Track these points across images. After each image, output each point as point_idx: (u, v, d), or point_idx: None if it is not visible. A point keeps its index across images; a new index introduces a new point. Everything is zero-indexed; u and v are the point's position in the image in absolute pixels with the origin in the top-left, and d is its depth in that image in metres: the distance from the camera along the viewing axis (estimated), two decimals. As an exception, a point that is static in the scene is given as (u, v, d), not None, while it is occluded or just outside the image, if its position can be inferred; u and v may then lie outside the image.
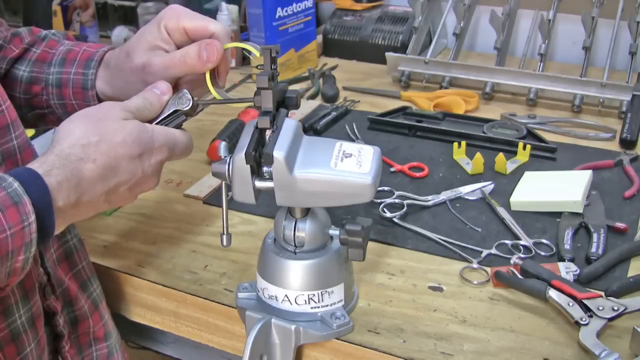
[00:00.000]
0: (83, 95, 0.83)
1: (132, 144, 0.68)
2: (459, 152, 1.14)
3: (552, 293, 0.78)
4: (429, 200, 1.01)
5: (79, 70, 0.83)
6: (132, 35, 0.81)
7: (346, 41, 1.64)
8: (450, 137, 1.18)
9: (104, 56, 0.83)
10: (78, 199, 0.65)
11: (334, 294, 0.77)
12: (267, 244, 0.78)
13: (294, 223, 0.75)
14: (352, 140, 1.18)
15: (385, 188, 1.03)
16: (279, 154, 0.68)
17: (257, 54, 0.75)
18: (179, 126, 0.75)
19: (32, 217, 0.60)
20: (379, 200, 1.00)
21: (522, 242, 0.91)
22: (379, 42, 1.60)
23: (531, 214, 0.98)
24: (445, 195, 1.03)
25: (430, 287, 0.85)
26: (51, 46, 0.87)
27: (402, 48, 1.54)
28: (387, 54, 1.46)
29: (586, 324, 0.74)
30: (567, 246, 0.89)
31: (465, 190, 1.04)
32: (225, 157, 0.72)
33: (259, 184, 0.71)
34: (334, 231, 0.77)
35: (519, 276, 0.83)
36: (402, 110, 1.30)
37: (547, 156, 1.14)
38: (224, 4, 1.59)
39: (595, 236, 0.91)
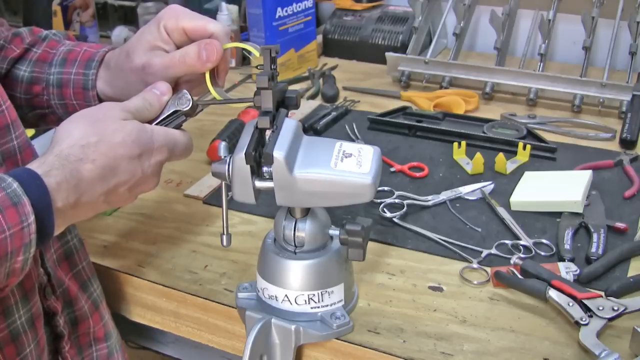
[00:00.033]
0: (84, 96, 0.83)
1: (131, 144, 0.68)
2: (459, 152, 1.14)
3: (552, 293, 0.78)
4: (429, 200, 1.01)
5: (79, 70, 0.83)
6: (132, 35, 0.81)
7: (346, 41, 1.64)
8: (450, 137, 1.18)
9: (105, 56, 0.83)
10: (77, 199, 0.65)
11: (334, 294, 0.77)
12: (267, 244, 0.78)
13: (294, 223, 0.75)
14: (352, 140, 1.18)
15: (385, 188, 1.03)
16: (279, 154, 0.68)
17: (257, 54, 0.75)
18: (178, 126, 0.75)
19: (32, 218, 0.60)
20: (379, 200, 1.00)
21: (522, 242, 0.91)
22: (379, 42, 1.60)
23: (531, 214, 0.98)
24: (445, 195, 1.03)
25: (430, 287, 0.85)
26: (52, 46, 0.87)
27: (402, 48, 1.54)
28: (387, 54, 1.46)
29: (586, 324, 0.74)
30: (567, 246, 0.89)
31: (465, 190, 1.04)
32: (225, 157, 0.72)
33: (259, 184, 0.71)
34: (334, 231, 0.77)
35: (519, 276, 0.83)
36: (402, 110, 1.30)
37: (547, 156, 1.14)
38: (224, 4, 1.59)
39: (595, 236, 0.91)
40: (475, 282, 0.85)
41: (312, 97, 1.43)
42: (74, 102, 0.84)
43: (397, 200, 1.01)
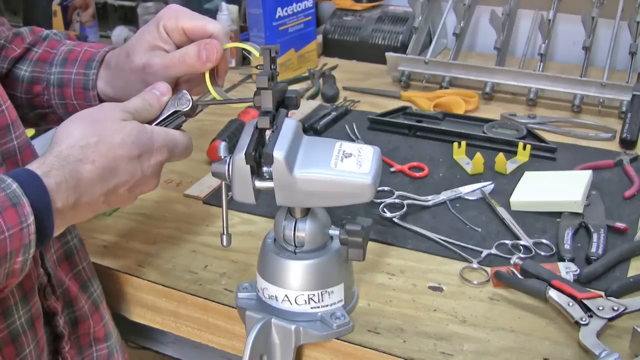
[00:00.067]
0: (84, 96, 0.83)
1: (131, 144, 0.68)
2: (459, 152, 1.14)
3: (552, 293, 0.78)
4: (429, 200, 1.01)
5: (80, 70, 0.83)
6: (132, 35, 0.81)
7: (346, 41, 1.64)
8: (450, 137, 1.18)
9: (105, 56, 0.83)
10: (77, 200, 0.65)
11: (334, 294, 0.77)
12: (267, 244, 0.78)
13: (294, 223, 0.75)
14: (352, 140, 1.18)
15: (385, 188, 1.03)
16: (279, 154, 0.68)
17: (257, 54, 0.75)
18: (178, 127, 0.75)
19: (31, 219, 0.60)
20: (379, 200, 1.00)
21: (522, 242, 0.91)
22: (379, 42, 1.60)
23: (531, 214, 0.98)
24: (445, 195, 1.03)
25: (430, 287, 0.85)
26: (52, 46, 0.87)
27: (402, 48, 1.54)
28: (387, 54, 1.46)
29: (586, 324, 0.74)
30: (567, 246, 0.89)
31: (465, 190, 1.04)
32: (225, 157, 0.72)
33: (259, 184, 0.71)
34: (334, 231, 0.77)
35: (519, 276, 0.83)
36: (402, 110, 1.30)
37: (547, 156, 1.14)
38: (224, 4, 1.59)
39: (595, 236, 0.91)
40: (475, 282, 0.85)
41: (312, 97, 1.43)
42: (74, 102, 0.84)
43: (397, 200, 1.01)
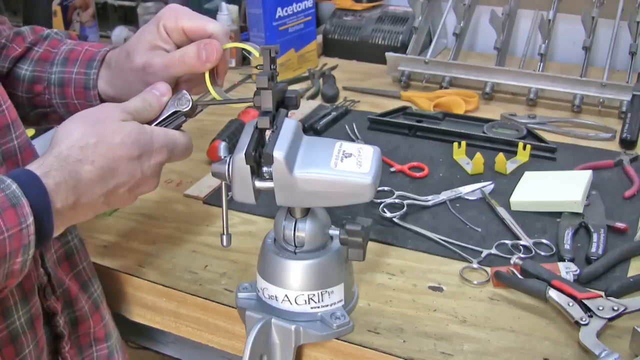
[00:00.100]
0: (85, 95, 0.83)
1: (130, 145, 0.68)
2: (459, 152, 1.14)
3: (552, 293, 0.78)
4: (429, 200, 1.01)
5: (81, 70, 0.83)
6: (132, 35, 0.81)
7: (346, 41, 1.64)
8: (450, 137, 1.18)
9: (106, 56, 0.83)
10: (76, 200, 0.65)
11: (334, 294, 0.77)
12: (267, 244, 0.78)
13: (294, 223, 0.75)
14: (352, 140, 1.18)
15: (385, 188, 1.03)
16: (279, 154, 0.68)
17: (257, 54, 0.75)
18: (178, 127, 0.75)
19: (30, 219, 0.60)
20: (379, 200, 1.00)
21: (522, 242, 0.91)
22: (379, 42, 1.60)
23: (531, 214, 0.98)
24: (445, 195, 1.03)
25: (430, 287, 0.85)
26: (53, 45, 0.87)
27: (402, 48, 1.54)
28: (387, 54, 1.46)
29: (586, 324, 0.74)
30: (567, 246, 0.89)
31: (465, 190, 1.04)
32: (225, 157, 0.72)
33: (259, 184, 0.71)
34: (334, 231, 0.77)
35: (519, 276, 0.83)
36: (402, 110, 1.30)
37: (547, 156, 1.14)
38: (224, 4, 1.59)
39: (595, 236, 0.91)
40: (475, 282, 0.85)
41: (312, 97, 1.43)
42: (75, 101, 0.84)
43: (397, 200, 1.01)
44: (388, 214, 0.98)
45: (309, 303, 0.76)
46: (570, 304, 0.77)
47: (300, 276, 0.75)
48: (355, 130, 1.25)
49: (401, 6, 1.64)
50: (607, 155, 1.14)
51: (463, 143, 1.14)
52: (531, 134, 1.20)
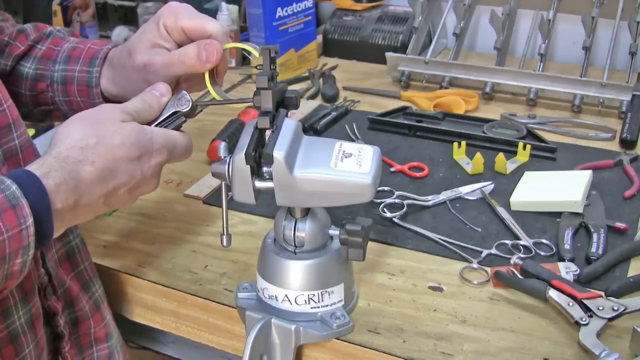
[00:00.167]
0: (88, 93, 0.83)
1: (130, 146, 0.68)
2: (459, 152, 1.14)
3: (552, 293, 0.78)
4: (429, 200, 1.01)
5: (83, 68, 0.83)
6: (132, 35, 0.81)
7: (346, 41, 1.64)
8: (450, 137, 1.18)
9: (108, 54, 0.84)
10: (76, 201, 0.65)
11: (334, 294, 0.77)
12: (267, 244, 0.78)
13: (294, 223, 0.75)
14: (352, 140, 1.18)
15: (385, 188, 1.03)
16: (279, 154, 0.68)
17: (257, 54, 0.75)
18: (178, 128, 0.75)
19: (30, 220, 0.60)
20: (379, 200, 1.00)
21: (522, 242, 0.91)
22: (379, 42, 1.60)
23: (531, 214, 0.98)
24: (445, 195, 1.03)
25: (430, 287, 0.85)
26: (56, 43, 0.87)
27: (402, 48, 1.54)
28: (387, 54, 1.46)
29: (586, 324, 0.74)
30: (567, 246, 0.89)
31: (465, 190, 1.04)
32: (225, 157, 0.72)
33: (259, 184, 0.71)
34: (334, 231, 0.77)
35: (519, 276, 0.83)
36: (402, 110, 1.30)
37: (547, 156, 1.14)
38: (224, 4, 1.59)
39: (595, 236, 0.91)
40: (475, 282, 0.85)
41: (312, 97, 1.43)
42: (78, 99, 0.84)
43: (397, 200, 1.01)
44: (388, 214, 0.98)
45: (309, 303, 0.76)
46: (570, 304, 0.77)
47: (300, 276, 0.75)
48: (355, 130, 1.25)
49: (401, 6, 1.64)
50: (607, 155, 1.14)
51: (463, 143, 1.14)
52: (531, 134, 1.20)
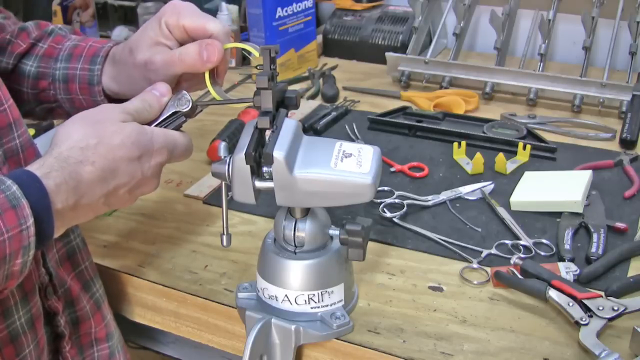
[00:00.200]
0: (89, 91, 0.83)
1: (131, 146, 0.68)
2: (459, 152, 1.14)
3: (552, 293, 0.78)
4: (429, 200, 1.01)
5: (85, 66, 0.83)
6: (132, 35, 0.81)
7: (346, 41, 1.64)
8: (450, 137, 1.18)
9: (110, 52, 0.84)
10: (77, 201, 0.65)
11: (334, 294, 0.77)
12: (267, 244, 0.78)
13: (294, 223, 0.75)
14: (352, 140, 1.18)
15: (385, 188, 1.03)
16: (279, 154, 0.68)
17: (257, 54, 0.75)
18: (178, 127, 0.75)
19: (31, 221, 0.60)
20: (379, 200, 1.00)
21: (522, 242, 0.91)
22: (379, 42, 1.60)
23: (531, 214, 0.98)
24: (445, 195, 1.03)
25: (430, 287, 0.85)
26: (58, 41, 0.87)
27: (402, 48, 1.54)
28: (387, 54, 1.46)
29: (586, 324, 0.74)
30: (567, 246, 0.89)
31: (465, 190, 1.04)
32: (225, 157, 0.72)
33: (259, 184, 0.71)
34: (334, 231, 0.77)
35: (519, 276, 0.83)
36: (402, 110, 1.30)
37: (547, 156, 1.14)
38: (224, 4, 1.59)
39: (595, 236, 0.91)
40: (475, 282, 0.85)
41: (312, 97, 1.43)
42: (80, 97, 0.84)
43: (397, 200, 1.01)
44: (388, 214, 0.98)
45: (309, 303, 0.76)
46: (570, 304, 0.77)
47: (300, 276, 0.75)
48: (355, 130, 1.25)
49: (401, 6, 1.64)
50: (607, 155, 1.14)
51: (463, 143, 1.14)
52: (531, 134, 1.20)
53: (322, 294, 0.76)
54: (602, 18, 1.39)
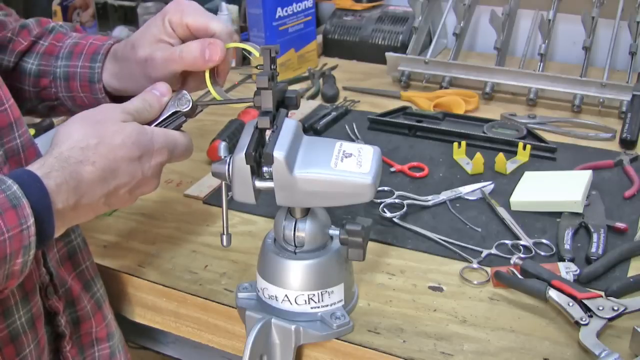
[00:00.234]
0: (90, 89, 0.84)
1: (131, 146, 0.68)
2: (459, 152, 1.14)
3: (552, 293, 0.78)
4: (429, 200, 1.01)
5: (85, 63, 0.83)
6: (132, 35, 0.82)
7: (346, 41, 1.64)
8: (450, 137, 1.18)
9: (110, 49, 0.84)
10: (77, 201, 0.65)
11: (334, 294, 0.77)
12: (267, 244, 0.78)
13: (294, 223, 0.75)
14: (352, 140, 1.18)
15: (385, 188, 1.03)
16: (279, 154, 0.68)
17: (257, 54, 0.75)
18: (178, 127, 0.75)
19: (31, 220, 0.60)
20: (379, 200, 1.00)
21: (522, 242, 0.91)
22: (379, 42, 1.60)
23: (531, 214, 0.98)
24: (445, 195, 1.03)
25: (430, 287, 0.85)
26: (58, 39, 0.87)
27: (402, 48, 1.54)
28: (387, 54, 1.46)
29: (586, 324, 0.74)
30: (567, 246, 0.89)
31: (465, 190, 1.04)
32: (225, 157, 0.72)
33: (259, 184, 0.71)
34: (334, 231, 0.77)
35: (519, 276, 0.83)
36: (402, 110, 1.30)
37: (547, 156, 1.14)
38: (224, 4, 1.59)
39: (595, 236, 0.91)
40: (475, 282, 0.85)
41: (312, 97, 1.43)
42: (81, 94, 0.84)
43: (397, 200, 1.01)
44: (388, 214, 0.98)
45: (309, 303, 0.76)
46: (570, 304, 0.77)
47: (300, 276, 0.75)
48: (355, 130, 1.25)
49: (401, 6, 1.64)
50: (607, 155, 1.14)
51: (463, 143, 1.14)
52: (531, 134, 1.20)
53: (322, 294, 0.76)
54: (602, 18, 1.39)
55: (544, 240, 0.92)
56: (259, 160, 0.70)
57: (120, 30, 1.75)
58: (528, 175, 1.05)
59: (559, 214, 0.96)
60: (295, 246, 0.76)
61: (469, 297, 0.83)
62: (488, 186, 1.04)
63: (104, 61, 0.83)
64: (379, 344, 0.76)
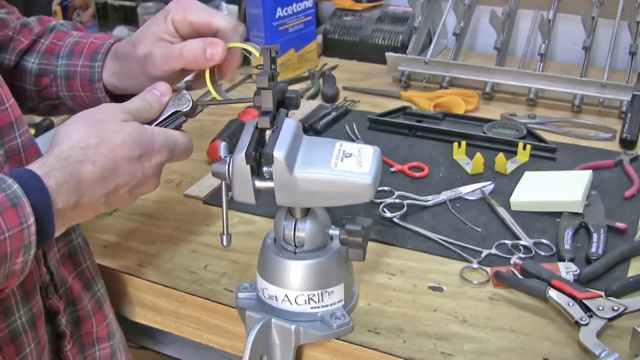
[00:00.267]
0: (90, 88, 0.84)
1: (131, 145, 0.68)
2: (459, 152, 1.14)
3: (552, 293, 0.78)
4: (429, 200, 1.01)
5: (85, 62, 0.83)
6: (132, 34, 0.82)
7: (346, 41, 1.64)
8: (450, 137, 1.18)
9: (111, 48, 0.84)
10: (77, 200, 0.65)
11: (334, 294, 0.77)
12: (267, 244, 0.78)
13: (294, 223, 0.75)
14: (352, 140, 1.18)
15: (385, 188, 1.03)
16: (279, 154, 0.68)
17: (257, 54, 0.75)
18: (178, 127, 0.75)
19: (31, 219, 0.60)
20: (379, 200, 1.00)
21: (522, 242, 0.91)
22: (379, 42, 1.60)
23: (531, 214, 0.98)
24: (445, 195, 1.03)
25: (430, 287, 0.85)
26: (59, 38, 0.87)
27: (402, 48, 1.54)
28: (387, 54, 1.46)
29: (586, 324, 0.74)
30: (567, 246, 0.89)
31: (465, 190, 1.04)
32: (225, 157, 0.72)
33: (259, 184, 0.71)
34: (334, 231, 0.77)
35: (519, 276, 0.83)
36: (402, 110, 1.30)
37: (547, 156, 1.14)
38: (224, 4, 1.59)
39: (595, 236, 0.91)
40: (475, 282, 0.85)
41: (312, 97, 1.43)
42: (82, 94, 0.84)
43: (397, 200, 1.01)
44: (388, 214, 0.98)
45: (309, 303, 0.76)
46: (570, 304, 0.77)
47: (300, 276, 0.75)
48: (355, 130, 1.25)
49: (401, 6, 1.64)
50: (607, 155, 1.14)
51: (463, 143, 1.14)
52: (531, 134, 1.20)
53: (322, 294, 0.76)
54: (602, 18, 1.39)
55: (544, 240, 0.92)
56: (259, 160, 0.70)
57: (120, 31, 1.75)
58: (528, 175, 1.05)
59: (559, 214, 0.96)
60: (295, 246, 0.76)
61: (469, 297, 0.83)
62: (488, 186, 1.04)
63: (104, 60, 0.83)
64: (379, 344, 0.76)
